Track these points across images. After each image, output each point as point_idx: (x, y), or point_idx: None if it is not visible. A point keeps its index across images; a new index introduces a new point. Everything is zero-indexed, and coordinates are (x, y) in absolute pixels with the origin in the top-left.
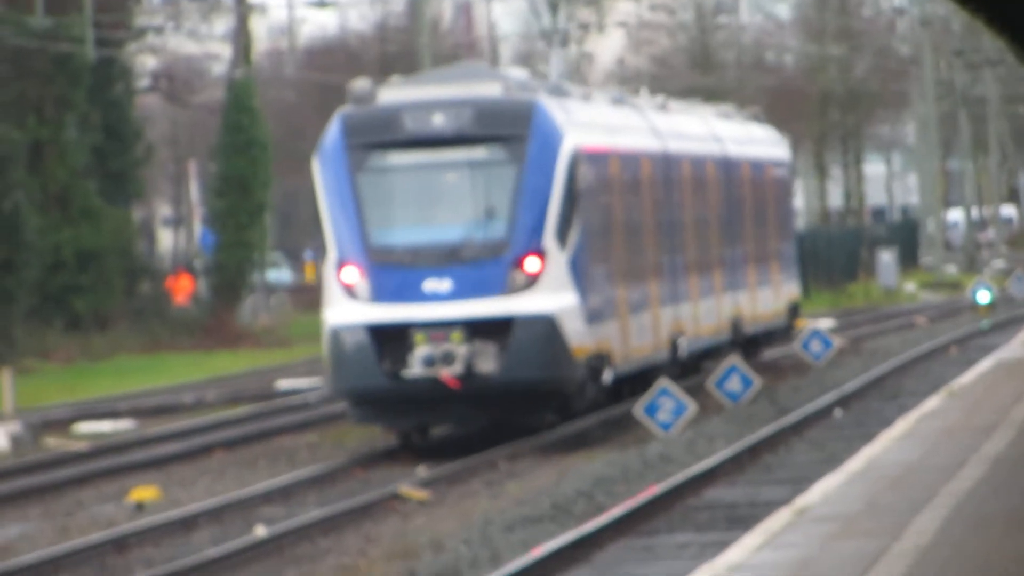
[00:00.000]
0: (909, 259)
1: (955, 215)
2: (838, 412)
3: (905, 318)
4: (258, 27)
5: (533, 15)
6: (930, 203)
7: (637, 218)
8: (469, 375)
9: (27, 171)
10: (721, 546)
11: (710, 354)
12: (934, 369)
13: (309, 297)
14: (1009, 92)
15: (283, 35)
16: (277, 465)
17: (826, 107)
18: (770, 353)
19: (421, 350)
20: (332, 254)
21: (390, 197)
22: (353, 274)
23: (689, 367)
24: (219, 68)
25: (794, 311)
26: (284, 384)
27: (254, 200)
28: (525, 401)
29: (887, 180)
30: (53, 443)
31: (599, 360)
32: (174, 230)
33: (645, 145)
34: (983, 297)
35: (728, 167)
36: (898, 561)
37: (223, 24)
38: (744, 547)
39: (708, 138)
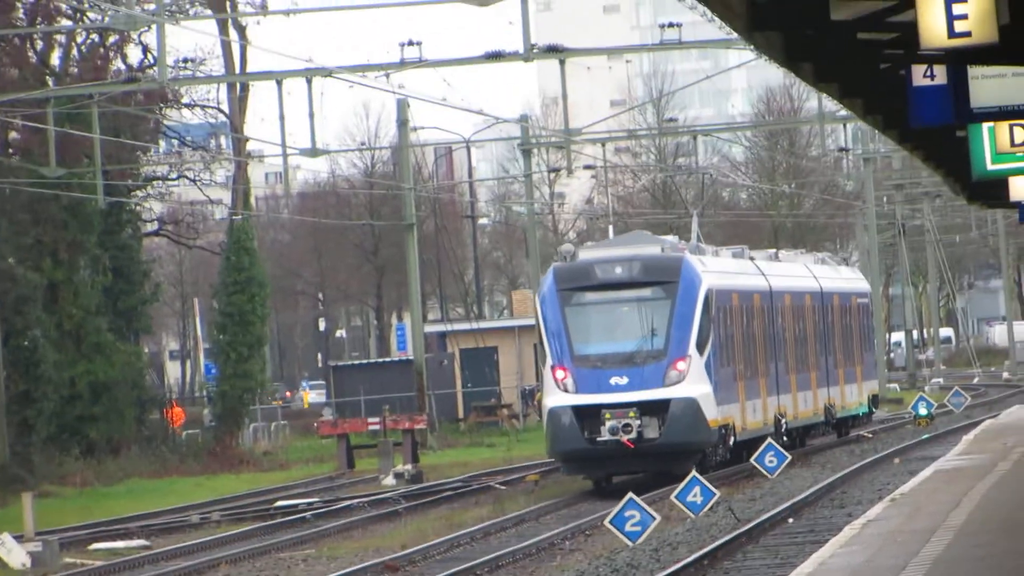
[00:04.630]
0: None
1: (897, 336)
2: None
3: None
4: (255, 174)
5: (508, 161)
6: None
7: (750, 334)
8: (640, 439)
9: (44, 310)
10: None
11: (809, 431)
12: (879, 478)
13: (305, 422)
14: (946, 223)
15: (278, 181)
16: None
17: (778, 239)
18: (732, 469)
19: (609, 423)
20: (548, 360)
21: (587, 322)
22: (562, 374)
23: (794, 440)
24: (220, 212)
25: (874, 401)
26: (282, 503)
27: (253, 334)
28: (677, 457)
29: None
30: (71, 561)
31: (726, 430)
32: (181, 362)
33: (755, 284)
34: (923, 411)
35: (821, 298)
36: None
37: (223, 172)
38: None
39: (805, 277)
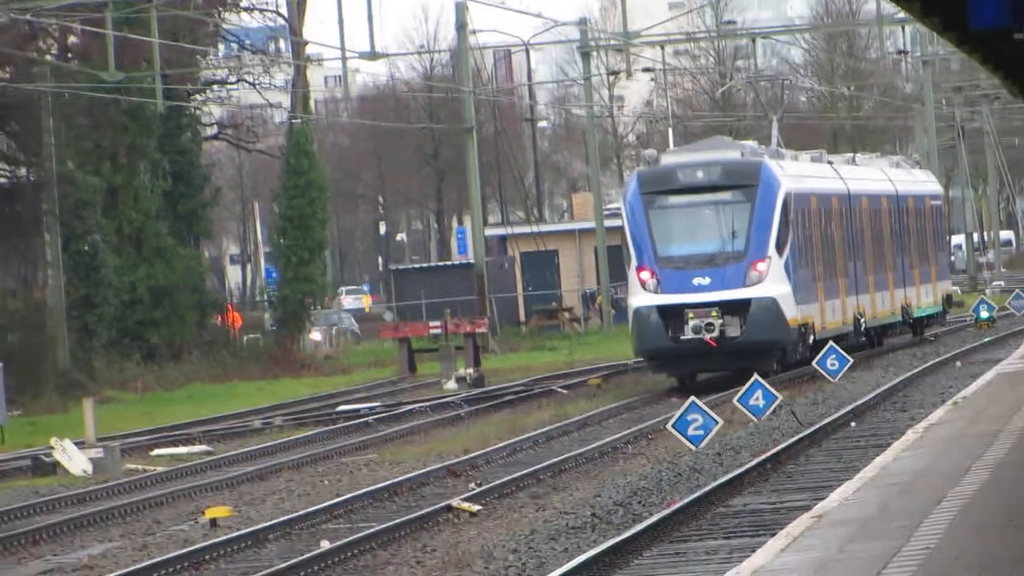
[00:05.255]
0: None
1: (957, 240)
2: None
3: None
4: (315, 77)
5: (567, 64)
6: None
7: (829, 236)
8: (722, 338)
9: (103, 215)
10: (748, 550)
11: (887, 331)
12: (941, 382)
13: (367, 326)
14: (1005, 125)
15: (337, 85)
16: (339, 483)
17: (837, 142)
18: (794, 372)
19: (692, 322)
20: (633, 263)
21: (670, 225)
22: (647, 275)
23: (873, 340)
24: (280, 116)
25: (948, 301)
26: (344, 407)
27: (314, 238)
28: (758, 355)
29: None
30: (132, 467)
31: (805, 329)
32: (242, 267)
33: (834, 187)
34: (984, 313)
35: (897, 201)
36: (908, 561)
37: (282, 76)
38: (768, 551)
39: (882, 180)
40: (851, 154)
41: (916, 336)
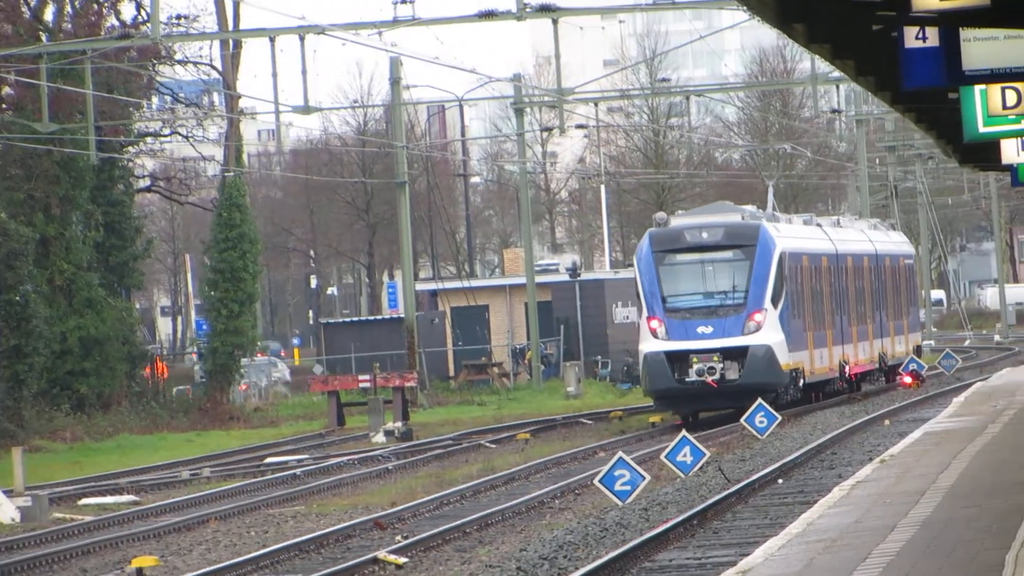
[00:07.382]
0: None
1: None
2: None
3: (842, 394)
4: (248, 131)
5: (501, 119)
6: None
7: (818, 291)
8: (723, 380)
9: (35, 265)
10: None
11: (865, 377)
12: (869, 440)
13: (296, 379)
14: (938, 185)
15: (271, 138)
16: (266, 534)
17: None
18: (722, 429)
19: (696, 366)
20: (644, 312)
21: (678, 279)
22: (656, 323)
23: (854, 386)
24: (212, 169)
25: (918, 351)
26: (272, 459)
27: (244, 291)
28: (754, 396)
29: None
30: (60, 516)
31: (796, 373)
32: (172, 319)
33: (823, 247)
34: (914, 372)
35: (876, 259)
36: None
37: (216, 129)
38: None
39: (864, 241)
40: (835, 217)
41: (889, 382)
